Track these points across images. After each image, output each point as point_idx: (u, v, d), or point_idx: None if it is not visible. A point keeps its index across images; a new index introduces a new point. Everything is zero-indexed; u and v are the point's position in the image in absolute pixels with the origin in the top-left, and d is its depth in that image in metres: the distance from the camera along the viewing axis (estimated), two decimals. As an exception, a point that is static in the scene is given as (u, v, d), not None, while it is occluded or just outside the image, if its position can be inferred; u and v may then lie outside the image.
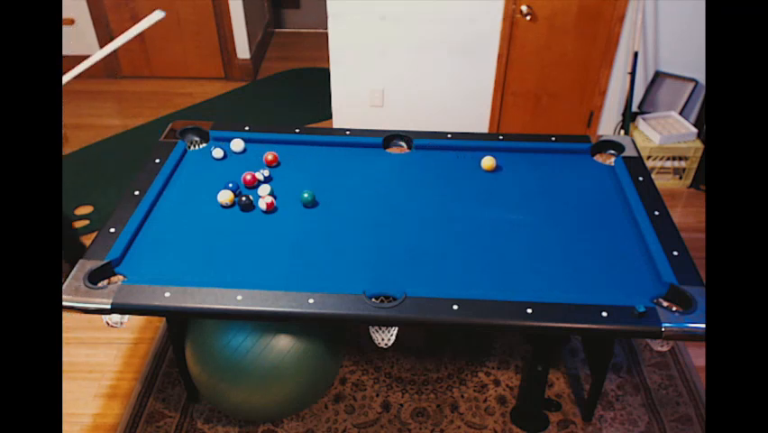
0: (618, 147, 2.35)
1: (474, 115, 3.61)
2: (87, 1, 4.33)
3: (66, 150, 3.73)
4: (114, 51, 4.58)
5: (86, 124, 4.01)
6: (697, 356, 2.49)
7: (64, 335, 2.57)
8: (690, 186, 3.53)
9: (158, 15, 2.16)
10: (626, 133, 3.46)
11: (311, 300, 1.69)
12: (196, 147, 2.40)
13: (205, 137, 2.42)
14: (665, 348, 1.71)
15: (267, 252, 1.90)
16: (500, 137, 2.41)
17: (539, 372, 2.04)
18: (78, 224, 3.16)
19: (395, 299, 1.71)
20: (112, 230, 1.92)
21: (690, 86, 3.43)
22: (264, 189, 2.11)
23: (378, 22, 3.28)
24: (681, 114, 3.47)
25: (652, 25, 3.28)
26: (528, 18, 3.24)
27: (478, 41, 3.33)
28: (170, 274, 1.80)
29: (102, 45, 4.55)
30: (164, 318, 2.49)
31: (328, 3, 3.23)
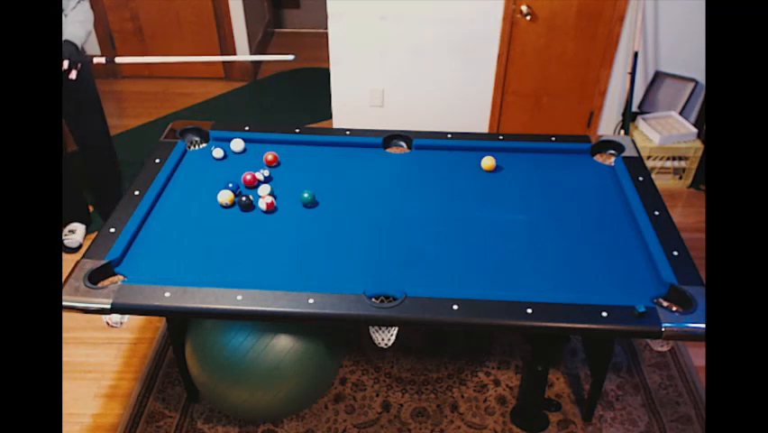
0: (618, 147, 2.35)
1: (474, 115, 3.61)
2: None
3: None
4: (114, 50, 4.58)
5: (86, 124, 4.00)
6: (697, 356, 2.49)
7: (64, 335, 2.57)
8: (690, 186, 3.53)
9: (288, 57, 2.48)
10: (626, 133, 3.46)
11: (311, 300, 1.69)
12: (196, 147, 2.40)
13: (205, 137, 2.42)
14: (665, 348, 1.71)
15: (267, 252, 1.90)
16: (500, 137, 2.41)
17: (539, 372, 2.04)
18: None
19: (395, 299, 1.71)
20: (112, 230, 1.92)
21: (690, 86, 3.43)
22: (264, 189, 2.11)
23: (378, 22, 3.28)
24: (681, 114, 3.47)
25: (652, 25, 3.28)
26: (528, 18, 3.24)
27: (478, 41, 3.33)
28: (170, 274, 1.79)
29: (102, 45, 4.54)
30: (164, 318, 2.48)
31: (328, 3, 3.23)
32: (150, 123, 4.11)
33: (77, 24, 2.43)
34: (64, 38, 2.39)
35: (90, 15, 2.54)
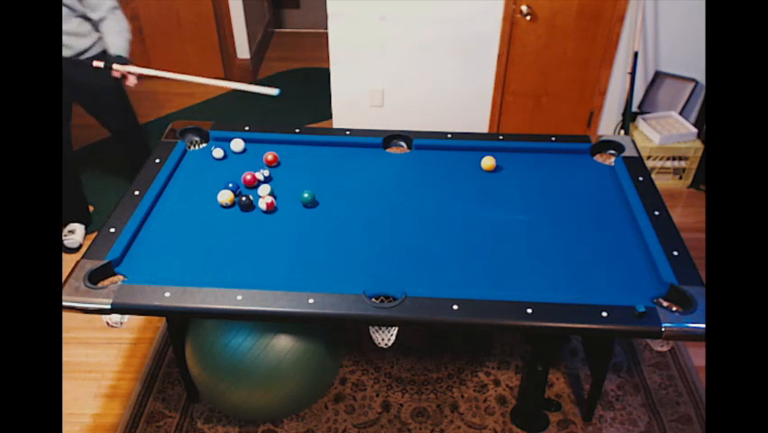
0: (618, 147, 2.35)
1: (474, 115, 3.61)
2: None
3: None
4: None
5: (86, 124, 4.00)
6: (697, 356, 2.49)
7: (64, 335, 2.57)
8: (690, 186, 3.53)
9: (273, 91, 2.44)
10: (626, 133, 3.46)
11: (311, 300, 1.69)
12: (196, 147, 2.40)
13: (205, 137, 2.42)
14: (665, 348, 1.71)
15: (267, 252, 1.90)
16: (500, 137, 2.41)
17: (539, 372, 2.04)
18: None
19: (395, 299, 1.71)
20: (112, 230, 1.92)
21: (690, 86, 3.43)
22: (264, 189, 2.11)
23: (378, 22, 3.28)
24: (681, 114, 3.47)
25: (652, 25, 3.28)
26: (528, 18, 3.24)
27: (478, 41, 3.33)
28: (170, 274, 1.80)
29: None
30: (164, 318, 2.48)
31: (328, 3, 3.23)
32: (150, 123, 4.11)
33: (116, 36, 2.46)
34: (111, 52, 2.50)
35: (125, 24, 2.58)
